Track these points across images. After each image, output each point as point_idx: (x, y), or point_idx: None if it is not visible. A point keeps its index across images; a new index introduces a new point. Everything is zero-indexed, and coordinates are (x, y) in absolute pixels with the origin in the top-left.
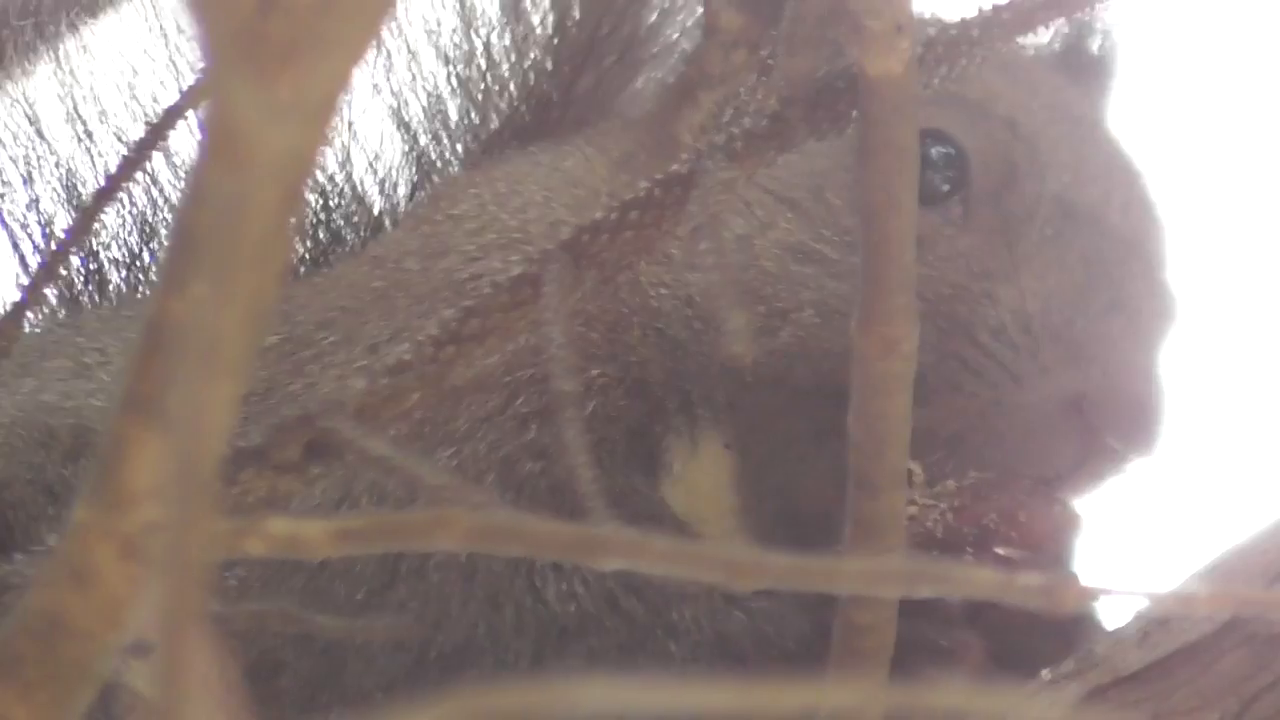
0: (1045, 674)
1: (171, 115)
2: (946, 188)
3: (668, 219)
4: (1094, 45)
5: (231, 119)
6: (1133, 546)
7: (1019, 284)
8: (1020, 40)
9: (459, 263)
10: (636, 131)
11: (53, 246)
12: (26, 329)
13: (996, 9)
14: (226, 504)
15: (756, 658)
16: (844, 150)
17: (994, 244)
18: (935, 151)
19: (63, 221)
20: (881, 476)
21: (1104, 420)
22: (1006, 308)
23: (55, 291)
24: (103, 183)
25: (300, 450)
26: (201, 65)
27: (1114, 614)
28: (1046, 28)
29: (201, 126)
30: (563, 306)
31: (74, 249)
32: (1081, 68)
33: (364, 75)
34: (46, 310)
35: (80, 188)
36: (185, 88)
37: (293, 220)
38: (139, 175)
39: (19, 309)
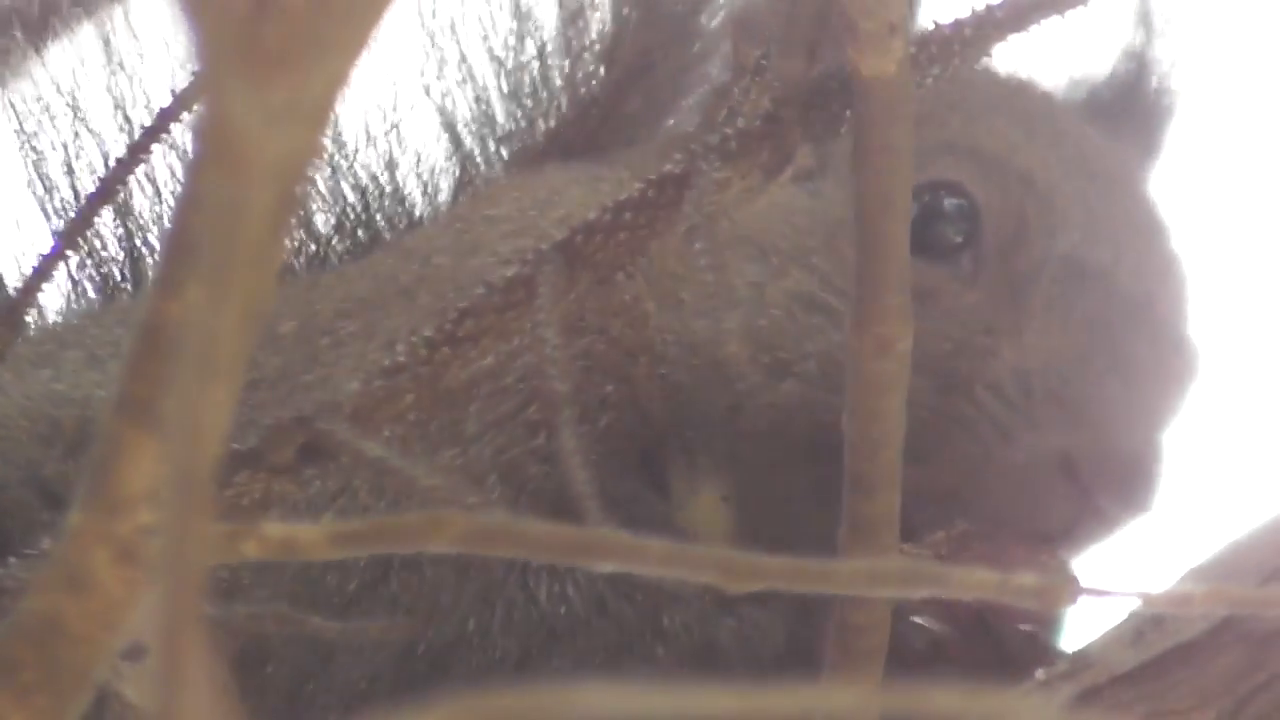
0: (1040, 674)
1: (166, 117)
2: (959, 240)
3: (661, 220)
4: (1148, 89)
5: (226, 122)
6: (1126, 545)
7: (1021, 342)
8: (1067, 79)
9: (490, 263)
10: (669, 158)
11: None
12: (51, 320)
13: (990, 8)
14: (222, 507)
15: (742, 664)
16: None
17: (1000, 300)
18: (948, 203)
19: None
20: (876, 476)
21: (1094, 480)
22: (1006, 365)
23: (95, 283)
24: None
25: (295, 452)
26: (194, 66)
27: (1108, 613)
28: (1039, 26)
29: (196, 129)
30: (557, 308)
31: (67, 251)
32: (1131, 111)
33: (414, 76)
34: (85, 302)
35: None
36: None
37: (289, 222)
38: (181, 165)
39: (16, 307)
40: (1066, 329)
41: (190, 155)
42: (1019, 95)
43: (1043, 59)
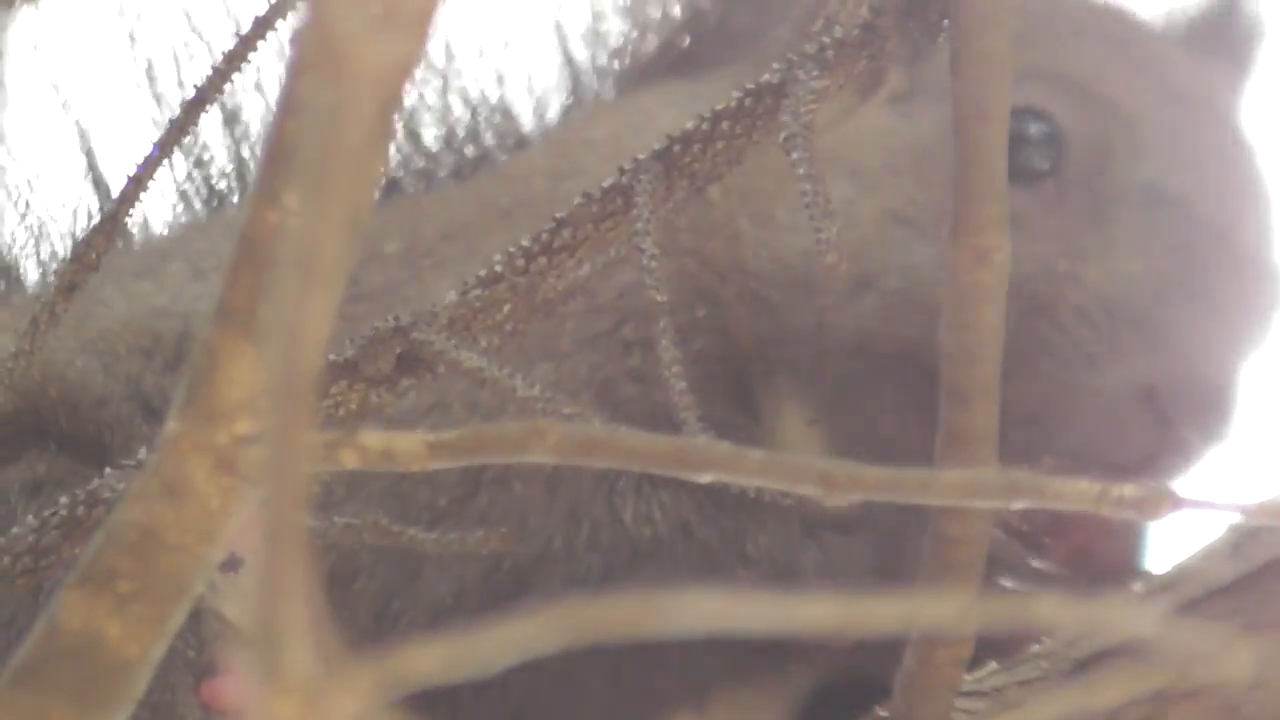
0: (1138, 586)
1: (262, 25)
2: (1046, 166)
3: (759, 129)
4: (1241, 14)
5: (326, 27)
6: (1223, 458)
7: (1104, 268)
8: (1166, 9)
9: (586, 185)
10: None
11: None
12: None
13: None
14: (319, 417)
15: (823, 590)
16: (949, 122)
17: (1083, 226)
18: (1034, 129)
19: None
20: (973, 387)
21: (1176, 409)
22: (1090, 290)
23: (202, 196)
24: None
25: (392, 362)
26: None
27: (1206, 529)
28: None
29: (294, 36)
30: (654, 217)
31: (166, 157)
32: (1222, 37)
33: None
34: (191, 214)
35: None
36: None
37: (389, 132)
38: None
39: (108, 223)
40: (1149, 257)
41: (289, 62)
42: (1108, 18)
43: None
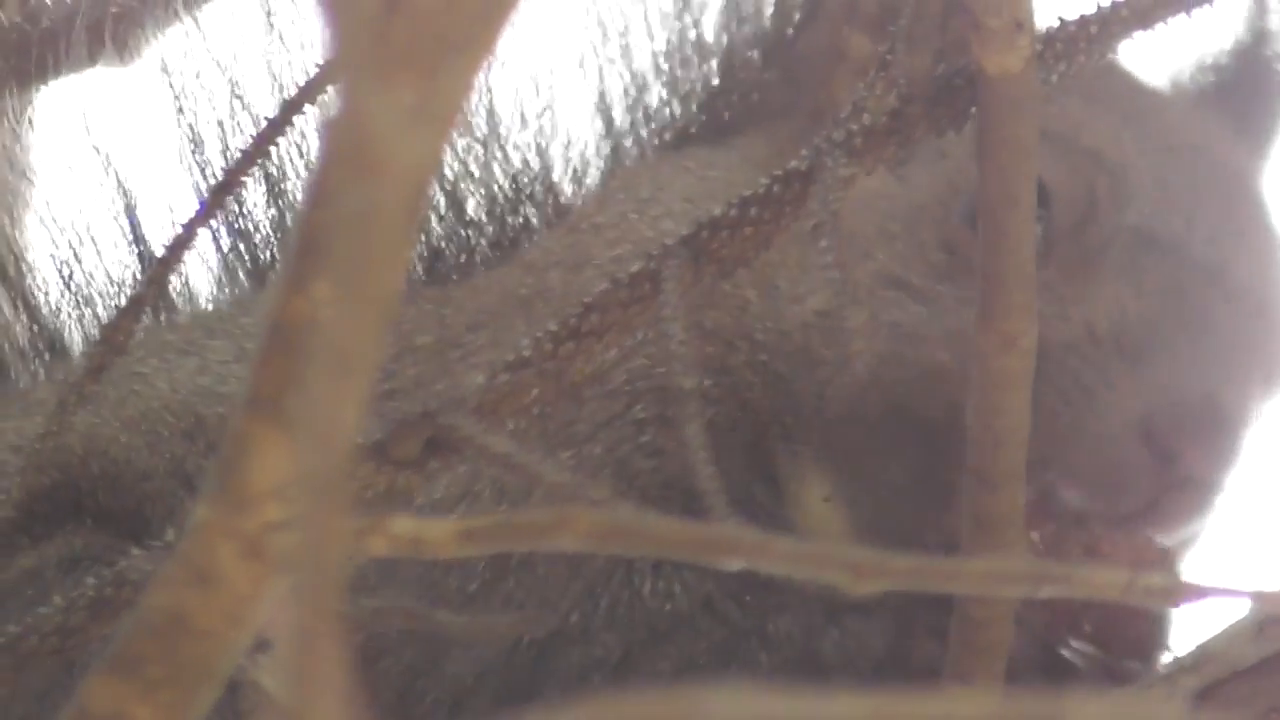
0: (1161, 668)
1: (291, 108)
2: (1037, 227)
3: (787, 215)
4: (1266, 62)
5: (361, 123)
6: (1243, 540)
7: (1091, 306)
8: (1194, 63)
9: (594, 278)
10: (780, 142)
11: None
12: (202, 304)
13: (1115, 5)
14: (349, 503)
15: (840, 674)
16: (941, 184)
17: (1073, 274)
18: None
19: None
20: (999, 472)
21: (1174, 437)
22: (1075, 325)
23: (246, 266)
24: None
25: (420, 446)
26: (327, 62)
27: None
28: (1165, 24)
29: (325, 128)
30: (682, 303)
31: (186, 247)
32: (1247, 85)
33: (570, 50)
34: (236, 285)
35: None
36: (305, 80)
37: (418, 223)
38: None
39: (133, 307)
40: (1136, 294)
41: (319, 152)
42: (1096, 75)
43: (1166, 49)
